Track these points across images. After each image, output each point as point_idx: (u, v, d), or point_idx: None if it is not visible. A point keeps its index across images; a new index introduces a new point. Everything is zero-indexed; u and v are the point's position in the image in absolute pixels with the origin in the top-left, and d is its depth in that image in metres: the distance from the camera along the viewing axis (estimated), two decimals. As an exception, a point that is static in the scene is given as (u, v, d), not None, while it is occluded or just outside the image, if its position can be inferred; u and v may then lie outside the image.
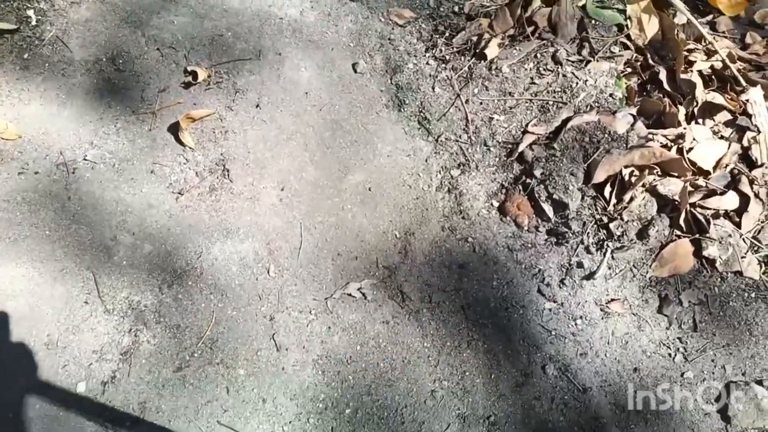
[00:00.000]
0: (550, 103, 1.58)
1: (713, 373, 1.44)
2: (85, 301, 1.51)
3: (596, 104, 1.56)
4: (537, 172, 1.53)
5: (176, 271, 1.54)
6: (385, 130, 1.65)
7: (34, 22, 1.74)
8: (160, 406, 1.44)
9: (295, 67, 1.70)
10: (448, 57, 1.71)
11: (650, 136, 1.49)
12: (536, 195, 1.51)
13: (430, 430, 1.40)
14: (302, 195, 1.59)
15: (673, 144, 1.49)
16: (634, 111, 1.55)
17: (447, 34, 1.73)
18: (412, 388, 1.45)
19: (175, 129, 1.65)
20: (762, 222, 1.51)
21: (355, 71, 1.73)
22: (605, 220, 1.50)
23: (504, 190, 1.60)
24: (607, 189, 1.52)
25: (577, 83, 1.57)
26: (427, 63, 1.75)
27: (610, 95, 1.59)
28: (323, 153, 1.63)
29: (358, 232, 1.57)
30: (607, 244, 1.48)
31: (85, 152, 1.62)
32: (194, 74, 1.68)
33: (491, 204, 1.61)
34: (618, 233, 1.50)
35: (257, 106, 1.66)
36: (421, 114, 1.68)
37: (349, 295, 1.52)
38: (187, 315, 1.51)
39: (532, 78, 1.61)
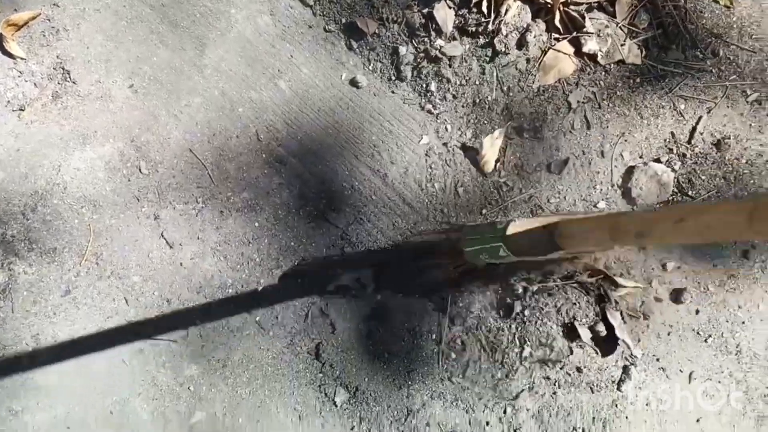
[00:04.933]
0: None
1: (616, 161, 1.42)
2: (-56, 250, 1.33)
3: None
4: None
5: (37, 192, 1.38)
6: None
7: None
8: (55, 333, 1.32)
9: (118, -56, 1.50)
10: None
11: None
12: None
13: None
14: (159, 81, 1.44)
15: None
16: None
17: None
18: (317, 245, 1.38)
19: (-1, 41, 1.44)
20: (635, 6, 1.46)
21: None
22: (487, 39, 1.43)
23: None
24: (484, 4, 1.43)
25: None
26: None
27: None
28: (172, 32, 1.46)
29: (230, 107, 1.43)
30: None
31: None
32: (5, -25, 1.45)
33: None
34: (502, 48, 1.43)
35: (85, -6, 1.46)
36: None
37: (236, 174, 1.40)
38: (62, 235, 1.36)
39: None
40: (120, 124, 1.41)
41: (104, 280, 1.35)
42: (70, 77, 1.43)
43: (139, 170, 1.40)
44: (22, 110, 1.41)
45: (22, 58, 1.45)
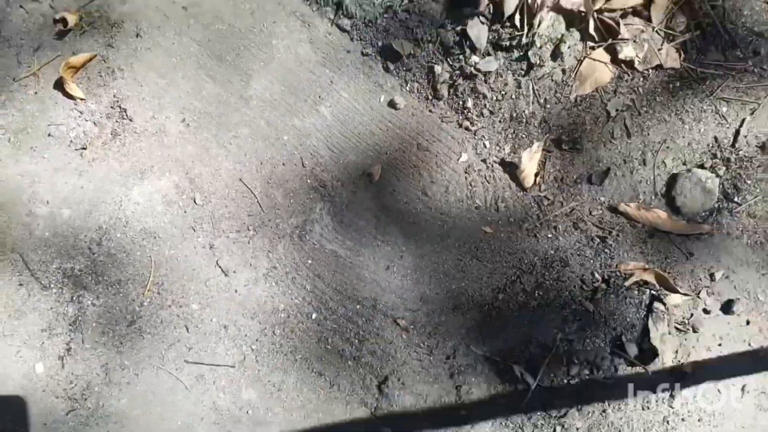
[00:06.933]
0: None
1: (658, 168, 1.42)
2: (20, 284, 1.44)
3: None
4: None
5: (101, 227, 1.47)
6: (277, 23, 1.55)
7: None
8: (123, 362, 1.40)
9: (166, -14, 1.58)
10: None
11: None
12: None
13: (381, 300, 1.38)
14: (209, 114, 1.51)
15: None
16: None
17: None
18: (367, 266, 1.41)
19: (60, 84, 1.54)
20: (671, 9, 1.46)
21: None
22: (522, 52, 1.44)
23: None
24: (517, 18, 1.45)
25: None
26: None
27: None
28: (219, 66, 1.54)
29: (276, 136, 1.50)
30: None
31: (-27, 134, 1.51)
32: (64, 21, 1.56)
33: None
34: (537, 61, 1.44)
35: (137, 35, 1.55)
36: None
37: (283, 201, 1.46)
38: (125, 267, 1.44)
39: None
40: (174, 157, 1.49)
41: (166, 309, 1.43)
42: (126, 115, 1.51)
43: (194, 201, 1.47)
44: (84, 149, 1.51)
45: (81, 99, 1.55)
